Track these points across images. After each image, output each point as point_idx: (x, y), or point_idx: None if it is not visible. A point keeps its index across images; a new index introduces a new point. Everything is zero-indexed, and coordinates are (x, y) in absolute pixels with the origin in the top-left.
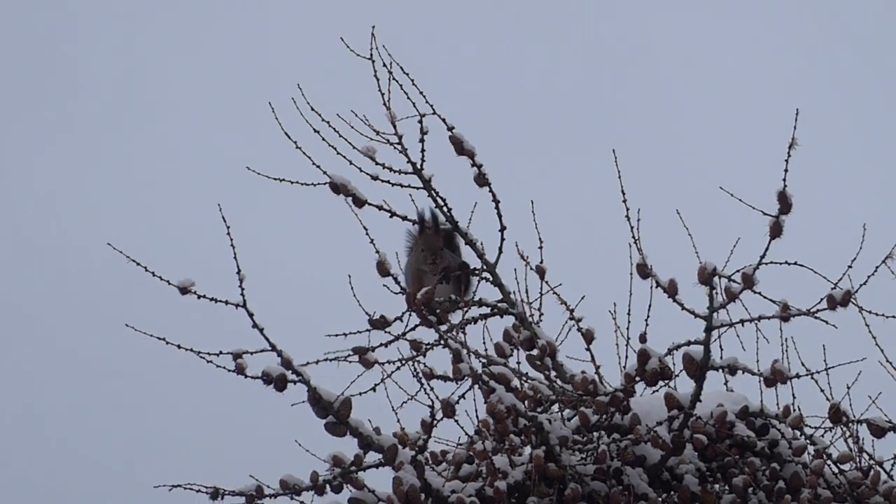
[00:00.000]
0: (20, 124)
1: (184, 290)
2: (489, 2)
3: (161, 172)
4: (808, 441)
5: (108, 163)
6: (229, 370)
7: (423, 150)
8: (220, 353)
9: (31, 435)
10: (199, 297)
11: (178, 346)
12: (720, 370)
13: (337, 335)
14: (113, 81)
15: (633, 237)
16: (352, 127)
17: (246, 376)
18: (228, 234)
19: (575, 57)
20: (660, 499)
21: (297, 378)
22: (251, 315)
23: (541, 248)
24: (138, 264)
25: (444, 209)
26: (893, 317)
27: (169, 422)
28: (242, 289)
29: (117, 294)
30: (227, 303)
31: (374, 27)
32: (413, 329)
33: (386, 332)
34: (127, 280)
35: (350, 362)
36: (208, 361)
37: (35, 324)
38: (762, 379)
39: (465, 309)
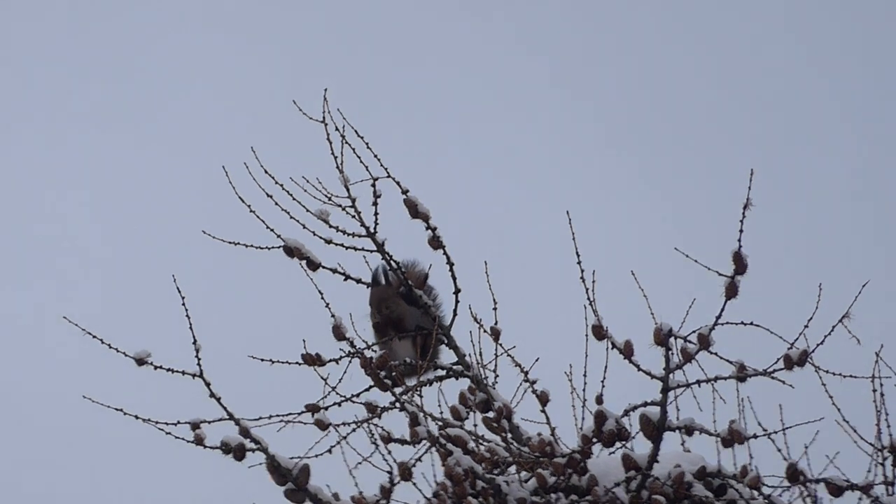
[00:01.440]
0: None
1: (140, 362)
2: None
3: (116, 240)
4: (766, 501)
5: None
6: (188, 441)
7: (376, 214)
8: (178, 422)
9: None
10: (155, 367)
11: (136, 417)
12: (677, 431)
13: (263, 360)
14: (65, 142)
15: (588, 298)
16: (305, 191)
17: (205, 447)
18: (184, 304)
19: (521, 105)
20: None
21: (255, 446)
22: (208, 384)
23: (495, 309)
24: (94, 336)
25: (398, 273)
26: (850, 376)
27: (127, 489)
28: (199, 358)
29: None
30: (183, 373)
31: (326, 90)
32: (367, 390)
33: (337, 392)
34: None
35: (304, 423)
36: (166, 433)
37: None
38: (719, 439)
39: (423, 372)
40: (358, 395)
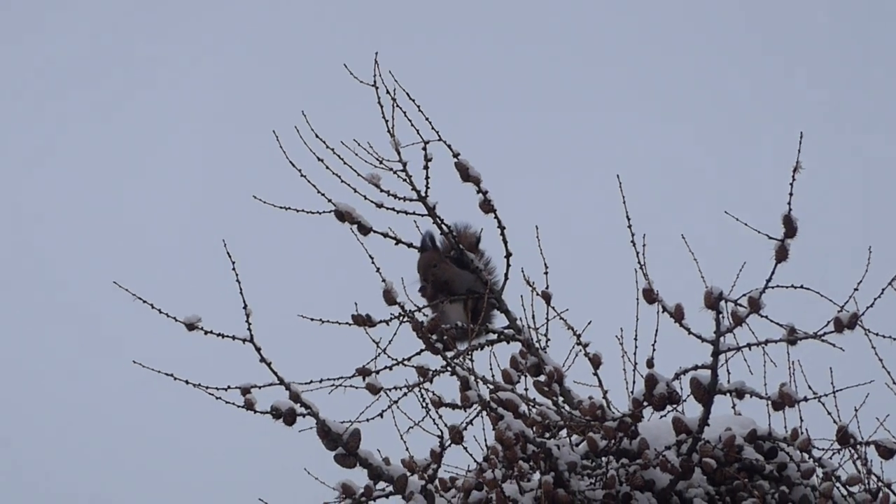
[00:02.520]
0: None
1: (191, 327)
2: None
3: (161, 205)
4: (816, 464)
5: (106, 196)
6: (238, 406)
7: (427, 177)
8: (229, 387)
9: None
10: (205, 332)
11: (186, 382)
12: (728, 394)
13: (312, 319)
14: (109, 103)
15: (639, 262)
16: (356, 155)
17: (255, 412)
18: (234, 269)
19: (572, 74)
20: None
21: (305, 411)
22: (258, 349)
23: (546, 273)
24: (144, 301)
25: (449, 236)
26: None
27: (176, 452)
28: (249, 323)
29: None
30: (234, 338)
31: (377, 54)
32: (418, 354)
33: (388, 355)
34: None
35: (356, 388)
36: (217, 398)
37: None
38: (770, 402)
39: (475, 336)
40: (409, 360)
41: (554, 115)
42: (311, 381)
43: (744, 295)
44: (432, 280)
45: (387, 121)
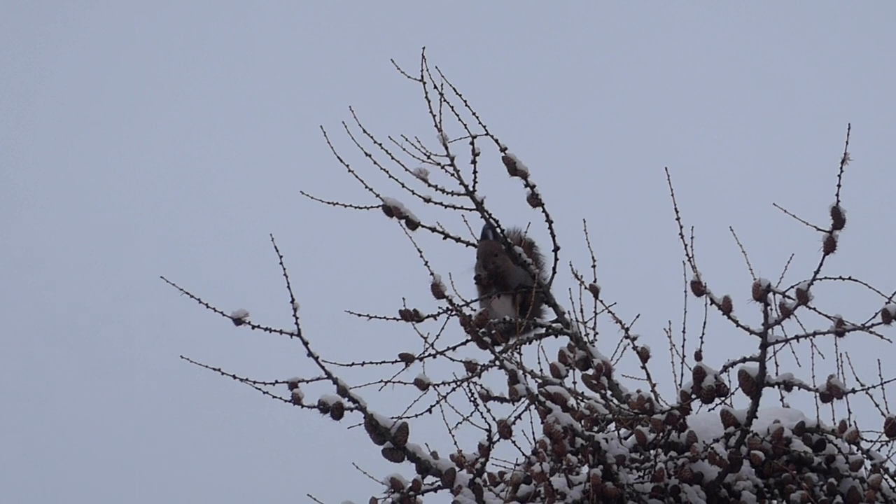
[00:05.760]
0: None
1: (238, 321)
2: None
3: (209, 200)
4: (864, 456)
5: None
6: (285, 400)
7: (475, 172)
8: (276, 382)
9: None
10: (253, 327)
11: (234, 377)
12: (776, 386)
13: (360, 315)
14: (150, 95)
15: (687, 255)
16: (403, 149)
17: (302, 406)
18: (281, 263)
19: (621, 67)
20: None
21: (353, 405)
22: (306, 343)
23: (594, 266)
24: (192, 296)
25: (497, 230)
26: None
27: (225, 444)
28: (297, 318)
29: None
30: (281, 332)
31: (424, 49)
32: (463, 344)
33: (435, 349)
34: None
35: (404, 383)
36: (264, 392)
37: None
38: (818, 394)
39: (524, 330)
40: (454, 349)
41: (593, 106)
42: (353, 364)
43: (792, 287)
44: (492, 268)
45: (434, 116)
